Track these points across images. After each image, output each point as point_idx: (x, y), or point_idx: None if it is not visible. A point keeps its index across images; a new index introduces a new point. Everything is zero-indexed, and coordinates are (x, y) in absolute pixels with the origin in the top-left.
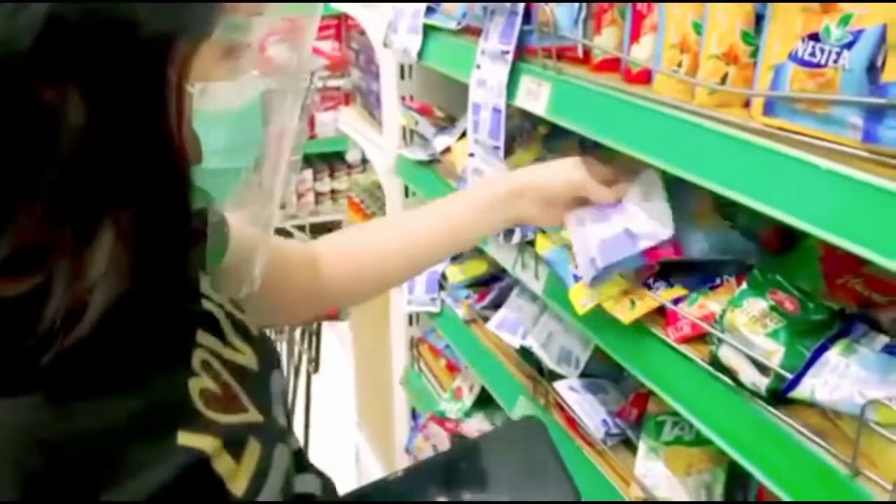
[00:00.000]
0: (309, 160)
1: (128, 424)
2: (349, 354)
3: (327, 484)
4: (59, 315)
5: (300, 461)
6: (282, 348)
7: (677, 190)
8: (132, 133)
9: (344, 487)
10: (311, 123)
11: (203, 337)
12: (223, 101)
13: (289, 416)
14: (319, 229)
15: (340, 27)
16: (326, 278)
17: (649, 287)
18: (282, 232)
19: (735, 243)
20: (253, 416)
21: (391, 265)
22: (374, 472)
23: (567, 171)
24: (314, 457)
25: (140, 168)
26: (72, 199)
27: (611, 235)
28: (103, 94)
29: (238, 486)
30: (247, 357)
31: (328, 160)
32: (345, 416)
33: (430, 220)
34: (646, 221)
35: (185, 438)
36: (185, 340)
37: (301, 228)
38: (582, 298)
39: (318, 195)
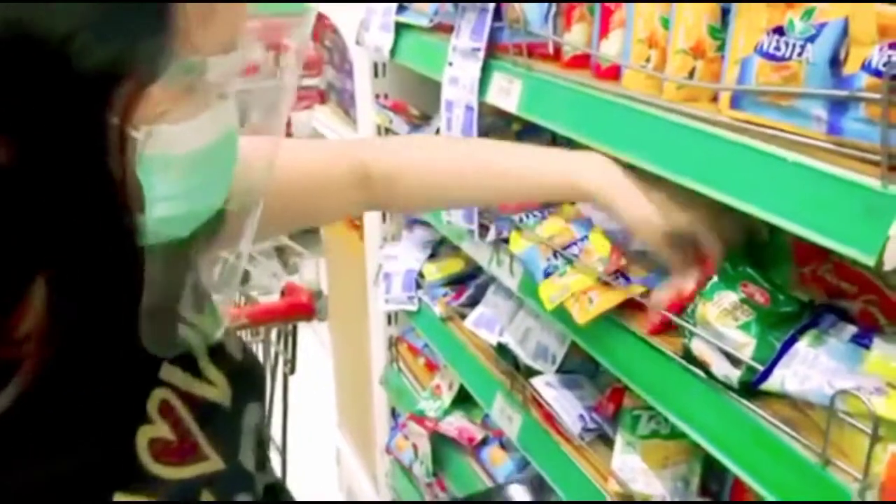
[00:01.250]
0: None
1: (51, 493)
2: (329, 354)
3: None
4: None
5: (275, 495)
6: (258, 350)
7: None
8: (65, 182)
9: (325, 488)
10: (287, 123)
11: (169, 372)
12: (187, 142)
13: (263, 448)
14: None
15: (316, 26)
16: (382, 192)
17: (609, 286)
18: None
19: None
20: (212, 464)
21: (458, 197)
22: (356, 472)
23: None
24: (295, 459)
25: (75, 219)
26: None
27: None
28: (35, 140)
29: None
30: (219, 391)
31: None
32: (325, 417)
33: (489, 178)
34: None
35: (121, 497)
36: (141, 383)
37: None
38: (550, 294)
39: None
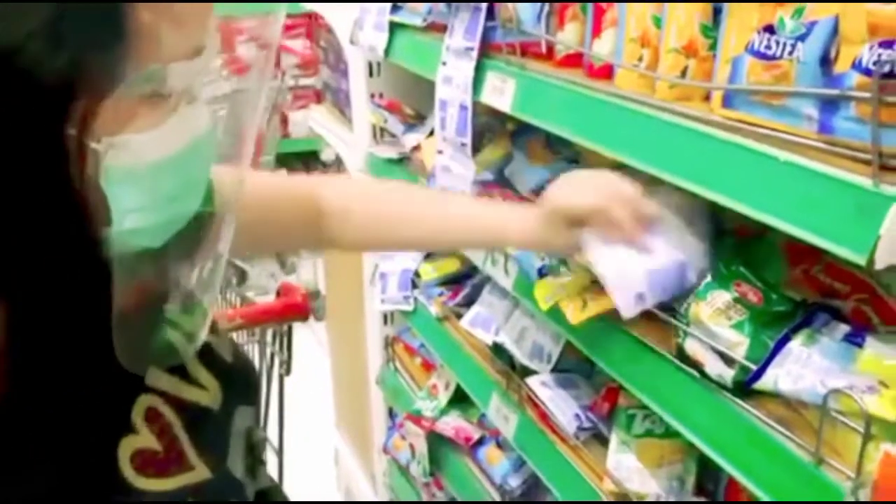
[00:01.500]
0: (283, 160)
1: None
2: (327, 354)
3: None
4: None
5: (267, 500)
6: (253, 351)
7: None
8: (23, 196)
9: (323, 489)
10: (285, 122)
11: (156, 377)
12: (154, 151)
13: (254, 454)
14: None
15: (311, 25)
16: (334, 222)
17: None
18: None
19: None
20: (198, 473)
21: (405, 237)
22: (354, 472)
23: (591, 192)
24: (293, 459)
25: (36, 235)
26: None
27: (661, 268)
28: None
29: None
30: (209, 394)
31: (303, 159)
32: (323, 417)
33: (463, 220)
34: (695, 254)
35: (146, 483)
36: (124, 393)
37: None
38: (545, 295)
39: None
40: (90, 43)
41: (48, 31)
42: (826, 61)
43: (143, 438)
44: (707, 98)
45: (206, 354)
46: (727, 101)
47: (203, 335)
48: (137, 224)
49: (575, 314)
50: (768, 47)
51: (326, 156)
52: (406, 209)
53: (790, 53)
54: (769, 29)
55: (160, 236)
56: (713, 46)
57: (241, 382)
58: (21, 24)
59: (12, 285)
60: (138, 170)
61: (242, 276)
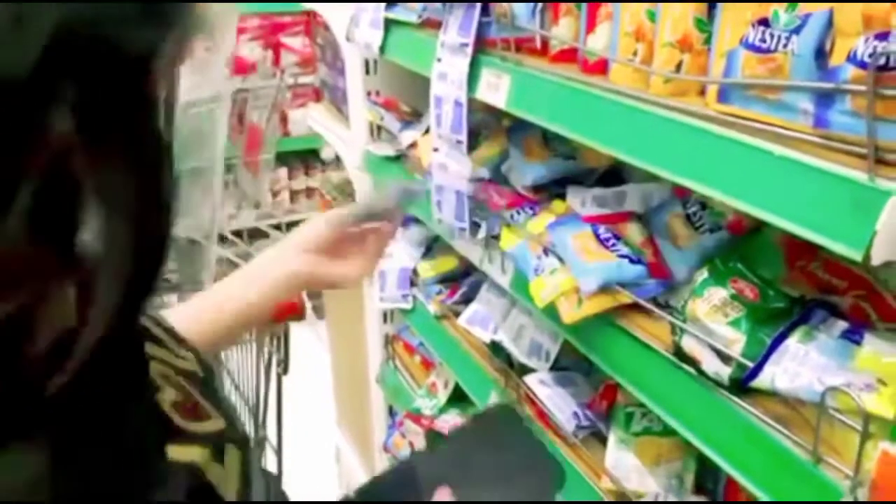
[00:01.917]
0: (283, 158)
1: (120, 458)
2: (328, 352)
3: (269, 483)
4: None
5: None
6: (252, 350)
7: None
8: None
9: (325, 487)
10: (284, 121)
11: (152, 349)
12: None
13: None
14: (295, 227)
15: (310, 23)
16: None
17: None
18: (258, 232)
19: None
20: (219, 422)
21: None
22: (355, 470)
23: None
24: (294, 457)
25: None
26: (54, 220)
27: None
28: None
29: (230, 492)
30: (191, 363)
31: (303, 157)
32: (325, 415)
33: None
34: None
35: (176, 453)
36: (141, 355)
37: (277, 227)
38: (542, 292)
39: (293, 193)
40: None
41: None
42: (821, 54)
43: (169, 393)
44: (702, 92)
45: (172, 334)
46: (722, 95)
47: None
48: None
49: (569, 313)
50: (763, 40)
51: (326, 154)
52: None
53: (785, 46)
54: (764, 22)
55: None
56: (708, 40)
57: (203, 357)
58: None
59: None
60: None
61: None
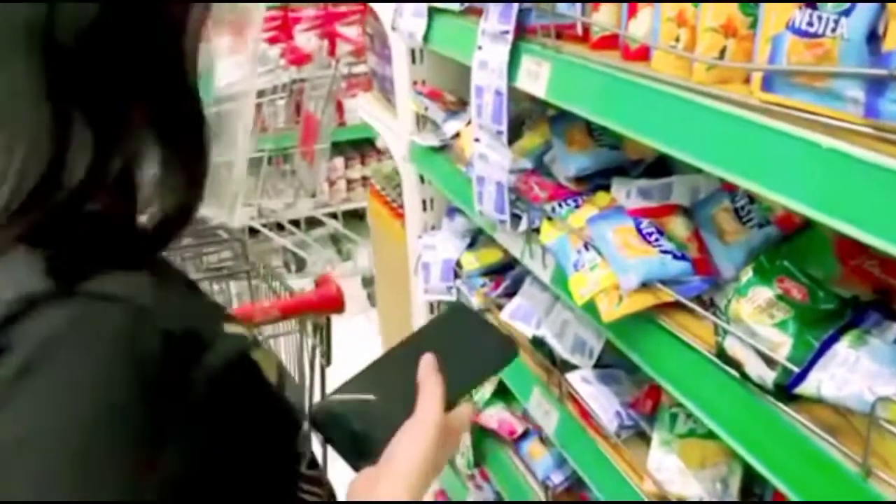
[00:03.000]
0: (340, 147)
1: (200, 306)
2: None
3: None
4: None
5: None
6: (294, 342)
7: None
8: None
9: None
10: (340, 110)
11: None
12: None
13: None
14: (351, 216)
15: (365, 12)
16: None
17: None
18: (315, 221)
19: None
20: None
21: None
22: None
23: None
24: None
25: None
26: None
27: None
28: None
29: (270, 374)
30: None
31: (359, 147)
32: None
33: None
34: None
35: (230, 328)
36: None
37: (333, 216)
38: (581, 288)
39: (349, 182)
40: None
41: None
42: (873, 38)
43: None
44: (748, 80)
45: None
46: (767, 83)
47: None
48: None
49: (609, 311)
50: (810, 24)
51: (382, 143)
52: None
53: (833, 30)
54: (811, 4)
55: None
56: (753, 25)
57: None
58: None
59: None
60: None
61: (301, 263)
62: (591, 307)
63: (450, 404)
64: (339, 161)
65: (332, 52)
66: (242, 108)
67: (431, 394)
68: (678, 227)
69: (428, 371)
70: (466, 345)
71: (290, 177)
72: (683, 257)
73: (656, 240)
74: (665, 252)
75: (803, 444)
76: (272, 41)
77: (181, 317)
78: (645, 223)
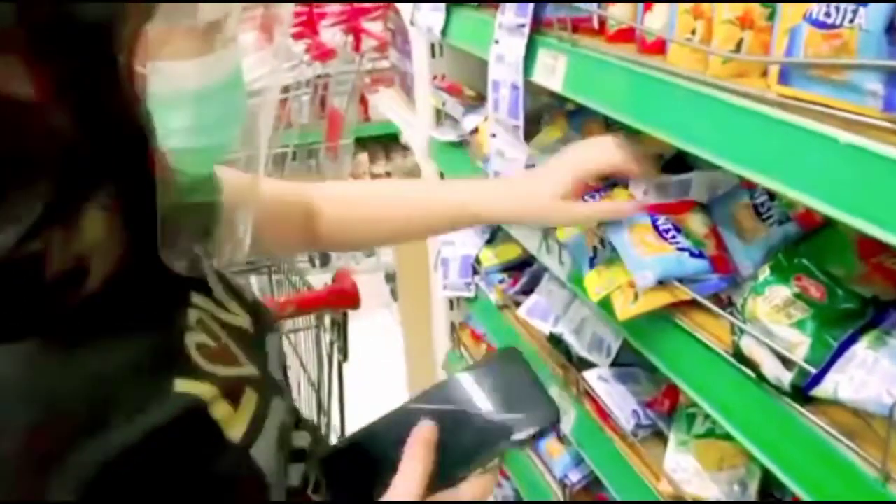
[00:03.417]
0: (364, 143)
1: (123, 371)
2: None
3: (318, 438)
4: (57, 275)
5: (295, 418)
6: (311, 338)
7: None
8: (84, 109)
9: None
10: (365, 106)
11: (198, 298)
12: (195, 79)
13: (285, 375)
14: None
15: (388, 8)
16: (322, 225)
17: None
18: None
19: None
20: (249, 370)
21: (384, 228)
22: None
23: (602, 152)
24: None
25: (102, 144)
26: (41, 176)
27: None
28: (52, 72)
29: (235, 432)
30: (241, 319)
31: (383, 142)
32: (398, 397)
33: (428, 208)
34: None
35: (183, 385)
36: (179, 300)
37: None
38: (596, 286)
39: (373, 177)
40: None
41: None
42: (892, 29)
43: (200, 337)
44: (766, 73)
45: (236, 293)
46: (783, 76)
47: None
48: (185, 144)
49: (624, 309)
50: (828, 14)
51: (405, 139)
52: (374, 207)
53: (851, 21)
54: None
55: (209, 161)
56: (771, 16)
57: (263, 318)
58: None
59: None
60: (182, 94)
61: (325, 258)
62: (607, 305)
63: (454, 477)
64: (363, 156)
65: (356, 48)
66: (265, 103)
67: (408, 475)
68: (696, 224)
69: (416, 447)
70: (501, 402)
71: (314, 172)
72: (701, 255)
73: (673, 237)
74: (682, 249)
75: (821, 447)
76: (297, 37)
77: (69, 395)
78: (662, 220)
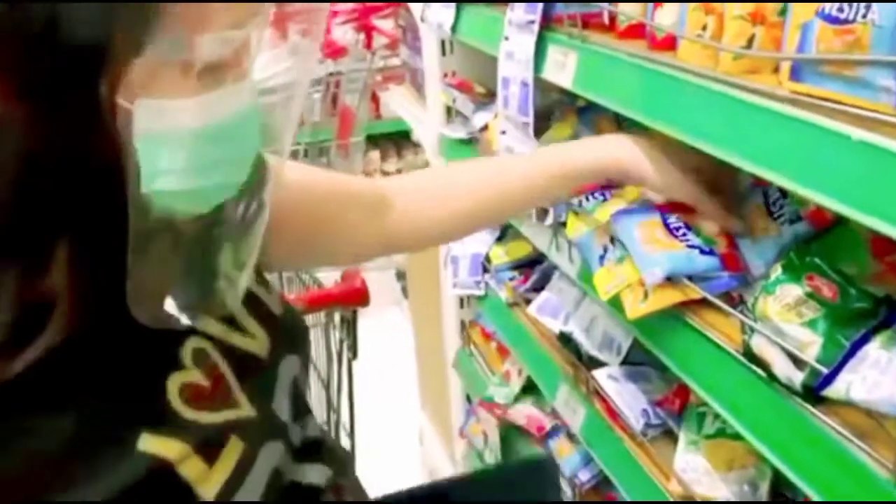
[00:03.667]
0: (375, 140)
1: (80, 434)
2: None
3: (341, 470)
4: (13, 328)
5: (311, 451)
6: (321, 335)
7: None
8: (64, 150)
9: (408, 466)
10: (376, 103)
11: (206, 323)
12: (193, 118)
13: (301, 401)
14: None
15: (399, 5)
16: (396, 218)
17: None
18: None
19: None
20: (243, 411)
21: (462, 215)
22: (436, 452)
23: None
24: (378, 437)
25: (78, 187)
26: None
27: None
28: (32, 108)
29: (209, 489)
30: (257, 342)
31: (395, 140)
32: (409, 395)
33: (510, 179)
34: None
35: (149, 443)
36: (173, 333)
37: None
38: (606, 284)
39: (385, 175)
40: (118, 4)
41: None
42: None
43: (191, 374)
44: (777, 69)
45: (255, 306)
46: (795, 72)
47: (244, 285)
48: (173, 187)
49: (633, 308)
50: (840, 10)
51: (417, 136)
52: (476, 176)
53: (864, 16)
54: None
55: (206, 202)
56: (783, 12)
57: (288, 333)
58: None
59: (73, 226)
60: (172, 134)
61: None
62: (616, 303)
63: None
64: (374, 154)
65: (368, 45)
66: (286, 101)
67: None
68: (707, 222)
69: None
70: None
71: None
72: (711, 252)
73: (684, 234)
74: (692, 247)
75: (832, 448)
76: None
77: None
78: (673, 218)
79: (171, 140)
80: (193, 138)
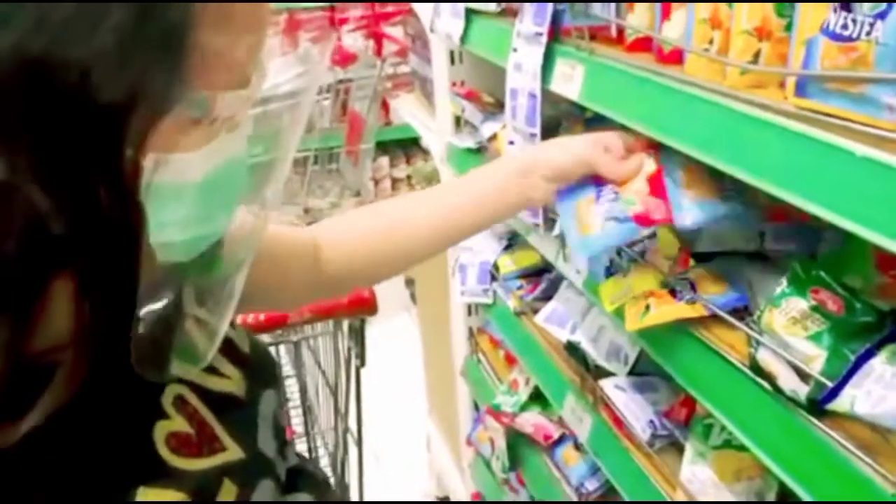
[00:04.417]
0: (384, 146)
1: (77, 497)
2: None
3: (322, 494)
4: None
5: (293, 481)
6: (329, 344)
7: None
8: (80, 207)
9: (415, 473)
10: (386, 110)
11: (183, 370)
12: (194, 171)
13: (283, 435)
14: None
15: (408, 13)
16: (324, 262)
17: (674, 293)
18: None
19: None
20: (231, 454)
21: (399, 246)
22: (444, 459)
23: (579, 147)
24: (386, 444)
25: (90, 241)
26: (18, 272)
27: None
28: (53, 167)
29: None
30: (233, 382)
31: (404, 146)
32: (417, 402)
33: (454, 198)
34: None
35: (147, 495)
36: (155, 382)
37: None
38: (611, 295)
39: (394, 181)
40: (153, 64)
41: (113, 53)
42: None
43: (176, 423)
44: (783, 85)
45: (227, 348)
46: (800, 88)
47: (221, 335)
48: (170, 238)
49: (633, 320)
50: (845, 27)
51: (426, 143)
52: (409, 217)
53: (868, 34)
54: (846, 6)
55: (191, 251)
56: (789, 27)
57: (260, 370)
58: (87, 45)
59: (85, 283)
60: (180, 187)
61: None
62: (622, 315)
63: None
64: (384, 160)
65: (378, 52)
66: (294, 107)
67: None
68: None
69: None
70: None
71: (335, 176)
72: (626, 219)
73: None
74: (609, 219)
75: (837, 461)
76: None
77: None
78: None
79: (180, 192)
80: (198, 189)
